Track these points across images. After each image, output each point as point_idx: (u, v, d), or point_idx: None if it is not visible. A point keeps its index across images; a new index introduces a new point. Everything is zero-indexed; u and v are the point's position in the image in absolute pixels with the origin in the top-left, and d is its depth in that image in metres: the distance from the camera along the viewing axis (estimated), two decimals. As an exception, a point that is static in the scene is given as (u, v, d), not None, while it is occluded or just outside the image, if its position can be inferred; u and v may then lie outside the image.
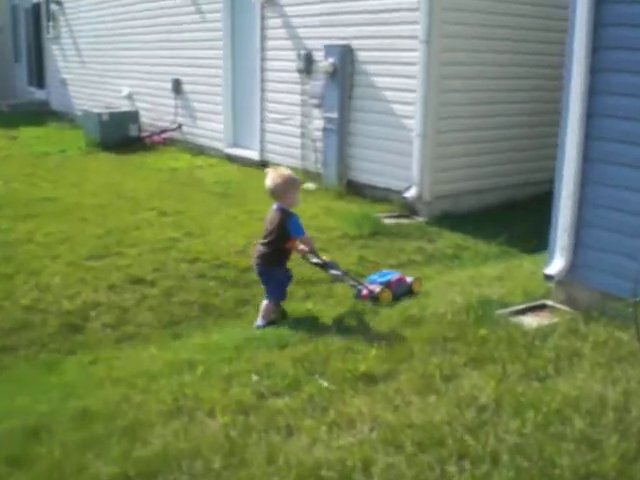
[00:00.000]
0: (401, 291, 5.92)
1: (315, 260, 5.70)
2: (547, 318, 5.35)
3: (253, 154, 11.36)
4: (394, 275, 6.03)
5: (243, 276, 6.54)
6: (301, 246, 5.55)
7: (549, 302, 5.65)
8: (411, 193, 8.49)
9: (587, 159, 5.26)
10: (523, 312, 5.47)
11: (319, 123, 9.74)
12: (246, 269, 6.66)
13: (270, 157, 10.96)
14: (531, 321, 5.22)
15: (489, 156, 9.03)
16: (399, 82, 8.54)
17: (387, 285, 5.84)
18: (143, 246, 7.06)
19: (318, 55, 9.58)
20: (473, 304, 5.37)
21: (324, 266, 5.79)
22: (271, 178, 5.31)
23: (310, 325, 5.33)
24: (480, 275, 6.58)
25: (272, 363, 4.51)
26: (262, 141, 11.10)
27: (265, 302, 5.48)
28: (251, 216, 8.26)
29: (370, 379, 4.26)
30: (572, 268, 5.45)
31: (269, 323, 5.43)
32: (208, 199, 9.10)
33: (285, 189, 5.28)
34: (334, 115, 9.33)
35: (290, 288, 5.75)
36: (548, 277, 5.48)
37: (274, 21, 10.46)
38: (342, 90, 9.22)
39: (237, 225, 7.91)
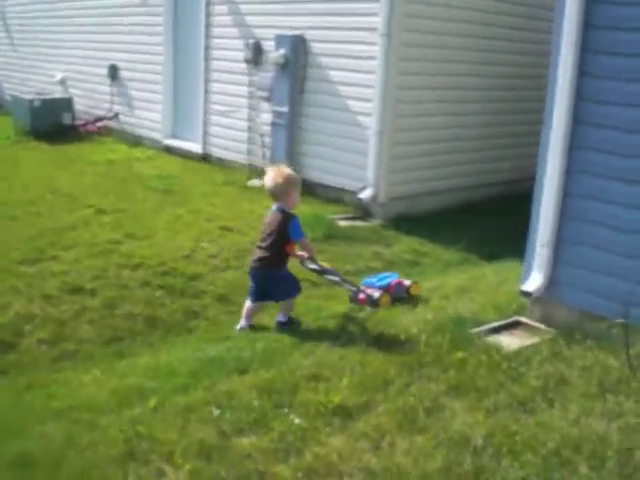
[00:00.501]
0: (399, 295, 5.74)
1: (313, 266, 5.45)
2: (525, 338, 5.02)
3: (195, 147, 10.77)
4: (393, 278, 5.83)
5: (192, 285, 6.02)
6: (299, 252, 5.26)
7: (523, 319, 5.34)
8: (366, 194, 8.08)
9: (570, 171, 4.93)
10: (498, 330, 5.14)
11: (267, 117, 9.24)
12: (195, 277, 6.17)
13: (214, 151, 10.40)
14: (510, 342, 4.87)
15: (446, 156, 8.71)
16: (356, 77, 8.11)
17: (386, 289, 5.65)
18: (81, 249, 6.44)
19: (268, 45, 9.07)
20: (446, 323, 4.99)
21: (322, 272, 5.56)
22: (271, 177, 5.02)
23: (272, 341, 4.88)
24: (445, 285, 6.21)
25: (233, 392, 4.02)
26: (205, 133, 10.52)
27: (281, 303, 5.22)
28: (197, 216, 7.73)
29: (345, 413, 3.82)
30: (550, 285, 5.13)
31: (290, 321, 5.21)
32: (150, 196, 8.49)
33: (286, 189, 5.00)
34: (284, 109, 8.83)
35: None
36: (525, 294, 5.14)
37: (221, 7, 9.87)
38: (293, 83, 8.74)
39: (183, 226, 7.36)
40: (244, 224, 7.58)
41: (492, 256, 7.35)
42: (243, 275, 6.28)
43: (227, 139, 10.09)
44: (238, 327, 5.18)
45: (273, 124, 9.03)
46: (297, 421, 3.71)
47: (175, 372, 4.36)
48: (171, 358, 4.66)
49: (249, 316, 5.19)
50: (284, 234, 5.00)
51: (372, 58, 7.83)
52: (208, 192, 8.80)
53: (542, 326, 5.20)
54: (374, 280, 5.83)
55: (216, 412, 3.80)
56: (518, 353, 4.62)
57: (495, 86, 9.05)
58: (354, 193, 8.29)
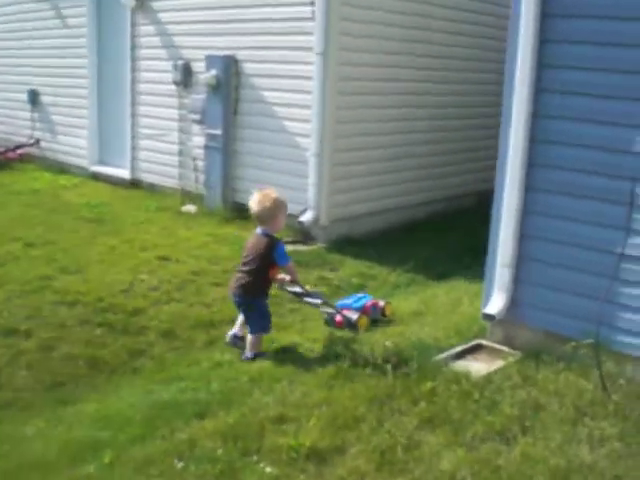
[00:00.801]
0: (375, 316, 5.68)
1: (294, 289, 5.39)
2: (491, 362, 4.88)
3: (123, 173, 10.35)
4: (367, 299, 5.76)
5: (133, 321, 5.64)
6: (281, 275, 5.11)
7: (484, 342, 5.20)
8: (307, 217, 7.86)
9: (530, 188, 4.82)
10: (462, 355, 5.00)
11: (200, 140, 8.93)
12: (136, 312, 5.79)
13: (144, 176, 10.01)
14: (477, 367, 4.72)
15: (388, 175, 8.59)
16: (293, 97, 7.90)
17: (363, 311, 5.58)
18: (11, 287, 5.99)
19: (198, 66, 8.78)
20: (409, 350, 4.79)
21: (303, 295, 5.49)
22: (258, 201, 4.91)
23: (227, 379, 4.58)
24: (398, 309, 6.02)
25: (195, 441, 3.72)
26: (134, 159, 10.12)
27: (250, 336, 5.00)
28: (132, 246, 7.35)
29: (319, 457, 3.57)
30: (511, 305, 5.00)
31: (258, 355, 4.96)
32: (80, 226, 8.04)
33: (274, 213, 4.91)
34: (217, 132, 8.55)
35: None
36: (488, 317, 4.99)
37: (147, 28, 9.53)
38: (226, 105, 8.47)
39: (118, 257, 6.97)
40: (182, 252, 7.25)
41: (440, 276, 7.21)
42: (187, 308, 5.99)
43: (157, 164, 9.72)
44: (244, 357, 4.99)
45: (207, 147, 8.73)
46: (268, 470, 3.45)
47: (128, 420, 4.01)
48: (121, 404, 4.30)
49: (253, 347, 5.02)
50: (269, 259, 4.89)
51: (309, 78, 7.63)
52: (141, 220, 8.42)
53: (505, 348, 5.07)
54: (349, 302, 5.71)
55: (179, 464, 3.50)
56: (488, 379, 4.47)
57: (437, 104, 9.01)
58: (294, 216, 8.04)
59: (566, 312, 4.79)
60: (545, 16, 4.58)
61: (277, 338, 5.43)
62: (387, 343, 4.99)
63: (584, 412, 4.01)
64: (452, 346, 5.06)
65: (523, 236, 4.89)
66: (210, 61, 8.43)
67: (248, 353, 4.97)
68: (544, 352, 4.77)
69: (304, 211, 7.92)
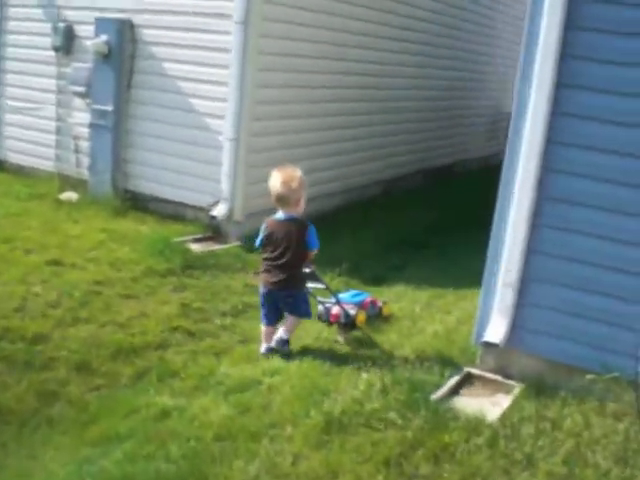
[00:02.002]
0: (372, 314, 5.26)
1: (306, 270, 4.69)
2: (492, 398, 4.18)
3: (-17, 151, 8.80)
4: (366, 296, 5.33)
5: (36, 350, 4.45)
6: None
7: (474, 371, 4.46)
8: (220, 210, 6.82)
9: (541, 198, 4.10)
10: (456, 391, 4.22)
11: (84, 117, 7.61)
12: (37, 338, 4.61)
13: (11, 157, 8.52)
14: (482, 406, 3.98)
15: (310, 162, 7.65)
16: (203, 72, 6.80)
17: (361, 306, 5.12)
18: None
19: (84, 30, 7.44)
20: (400, 391, 3.97)
21: (313, 279, 4.83)
22: (282, 182, 4.37)
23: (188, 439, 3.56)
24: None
25: None
26: (-1, 136, 8.60)
27: (292, 318, 4.62)
28: (13, 247, 6.02)
29: None
30: (510, 330, 4.28)
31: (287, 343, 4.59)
32: None
33: (300, 194, 4.42)
34: (107, 108, 7.28)
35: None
36: (489, 345, 4.24)
37: (17, -19, 8.03)
38: (119, 77, 7.22)
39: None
40: (76, 255, 6.01)
41: (376, 280, 6.46)
42: (98, 330, 4.85)
43: (28, 142, 8.25)
44: (262, 351, 4.61)
45: (93, 125, 7.43)
46: None
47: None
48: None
49: (268, 338, 4.62)
50: (305, 245, 4.45)
51: (225, 50, 6.57)
52: (16, 211, 7.01)
53: (498, 377, 4.40)
54: (346, 296, 5.20)
55: None
56: (506, 424, 3.73)
57: (366, 84, 8.25)
58: (200, 209, 7.00)
59: (577, 339, 4.16)
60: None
61: (221, 367, 4.48)
62: (370, 376, 4.16)
63: (633, 464, 3.37)
64: (443, 377, 4.29)
65: (529, 252, 4.17)
66: (100, 25, 7.13)
67: (284, 334, 4.56)
68: (549, 384, 4.16)
69: (215, 204, 6.89)
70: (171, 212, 7.21)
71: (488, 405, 4.08)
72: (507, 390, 4.25)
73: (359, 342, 4.99)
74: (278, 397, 4.00)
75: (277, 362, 4.48)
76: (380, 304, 5.36)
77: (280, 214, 4.49)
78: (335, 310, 4.94)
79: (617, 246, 3.99)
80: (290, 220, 4.45)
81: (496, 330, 4.21)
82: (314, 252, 4.57)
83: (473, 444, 3.52)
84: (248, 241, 6.85)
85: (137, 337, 4.82)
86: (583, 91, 3.95)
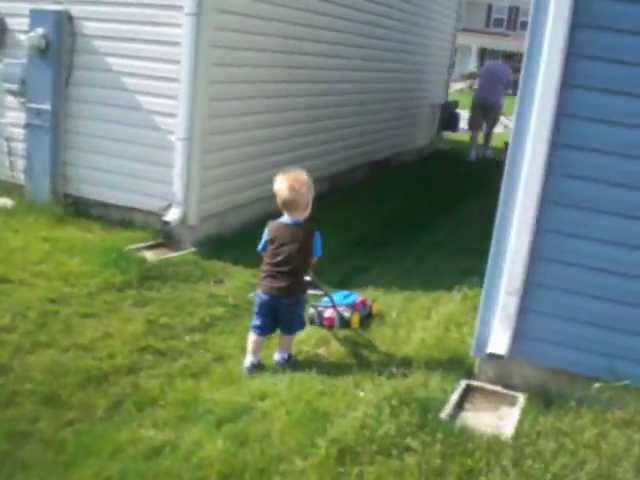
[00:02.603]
0: (364, 314, 5.17)
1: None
2: (498, 411, 4.03)
3: None
4: (356, 296, 5.24)
5: (1, 383, 4.01)
6: None
7: (474, 382, 4.25)
8: (173, 215, 6.40)
9: (547, 201, 3.89)
10: (461, 405, 4.02)
11: (18, 116, 7.03)
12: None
13: None
14: (491, 421, 3.81)
15: (263, 160, 7.31)
16: (152, 67, 6.35)
17: (353, 306, 5.05)
18: None
19: (17, 23, 6.84)
20: (413, 412, 3.71)
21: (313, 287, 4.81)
22: (289, 186, 4.19)
23: None
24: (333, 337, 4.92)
25: None
26: None
27: (287, 337, 4.48)
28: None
29: None
30: (514, 340, 4.09)
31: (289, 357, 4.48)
32: None
33: (308, 198, 4.27)
34: (45, 106, 6.73)
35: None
36: (493, 356, 4.02)
37: None
38: (57, 73, 6.68)
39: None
40: (23, 269, 5.50)
41: (343, 284, 6.14)
42: (61, 355, 4.41)
43: (-48, 145, 7.60)
44: (247, 365, 4.35)
45: (29, 126, 6.87)
46: None
47: None
48: None
49: (257, 350, 4.41)
50: (310, 251, 4.33)
51: (175, 44, 6.15)
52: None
53: (498, 388, 4.23)
54: (337, 298, 5.09)
55: None
56: (523, 441, 3.55)
57: (325, 79, 7.95)
58: (151, 214, 6.57)
59: (582, 346, 4.02)
60: None
61: (203, 392, 4.14)
62: (368, 395, 3.89)
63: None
64: (444, 392, 4.07)
65: (534, 258, 3.97)
66: (36, 17, 6.56)
67: (284, 354, 4.44)
68: (553, 393, 4.01)
69: (168, 208, 6.47)
70: (118, 218, 6.75)
71: (495, 420, 3.90)
72: (511, 402, 4.09)
73: (343, 354, 4.73)
74: (276, 425, 3.69)
75: (262, 382, 4.18)
76: (370, 302, 5.27)
77: (286, 218, 4.29)
78: (328, 313, 4.91)
79: (624, 250, 3.84)
80: (297, 225, 4.28)
81: (499, 340, 4.01)
82: (316, 258, 4.43)
83: (498, 466, 3.30)
84: (203, 246, 6.51)
85: (105, 361, 4.40)
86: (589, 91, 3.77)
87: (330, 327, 4.99)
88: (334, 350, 4.80)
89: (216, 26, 6.15)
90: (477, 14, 44.94)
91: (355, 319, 5.00)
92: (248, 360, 4.38)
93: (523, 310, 4.03)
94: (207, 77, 6.18)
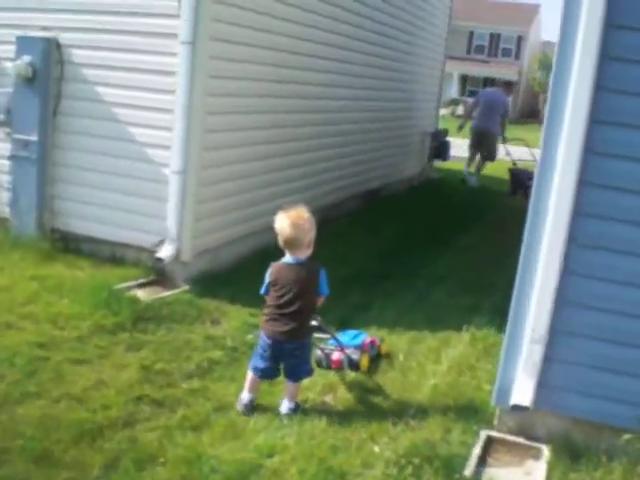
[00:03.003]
0: (373, 355, 5.01)
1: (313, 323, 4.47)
2: (523, 466, 3.84)
3: None
4: (364, 336, 5.06)
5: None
6: None
7: (494, 434, 4.00)
8: (167, 252, 6.13)
9: (574, 242, 3.68)
10: (484, 459, 3.78)
11: (3, 147, 6.73)
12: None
13: None
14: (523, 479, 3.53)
15: (263, 191, 7.09)
16: (144, 97, 6.10)
17: (362, 348, 4.87)
18: None
19: (2, 51, 6.56)
20: (438, 471, 3.46)
21: (321, 330, 4.72)
22: (292, 224, 4.07)
23: None
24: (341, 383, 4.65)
25: None
26: None
27: (293, 385, 4.26)
28: None
29: None
30: (537, 389, 3.85)
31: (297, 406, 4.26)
32: None
33: (312, 236, 4.15)
34: (32, 138, 6.45)
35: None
36: (518, 408, 3.77)
37: None
38: (45, 103, 6.41)
39: None
40: (10, 311, 5.19)
41: (343, 323, 5.85)
42: (52, 407, 4.10)
43: None
44: (243, 402, 4.23)
45: (14, 157, 6.57)
46: None
47: None
48: None
49: (255, 389, 4.30)
50: (316, 291, 4.21)
51: (169, 73, 5.92)
52: None
53: (521, 440, 4.00)
54: (345, 339, 4.93)
55: None
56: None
57: (322, 108, 7.82)
58: (143, 250, 6.30)
59: (609, 395, 3.81)
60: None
61: (210, 452, 3.85)
62: (382, 451, 3.63)
63: None
64: (465, 446, 3.82)
65: (559, 304, 3.74)
66: (22, 44, 6.30)
67: (291, 404, 4.22)
68: (578, 445, 3.82)
69: (160, 243, 6.20)
70: (109, 254, 6.46)
71: (522, 476, 3.66)
72: (535, 455, 3.86)
73: (352, 402, 4.47)
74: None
75: (268, 436, 3.92)
76: (378, 342, 5.11)
77: (288, 258, 4.17)
78: (336, 356, 4.73)
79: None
80: (300, 264, 4.15)
81: (523, 391, 3.76)
82: (323, 298, 4.30)
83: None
84: (197, 284, 6.23)
85: (99, 413, 4.09)
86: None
87: (338, 369, 4.75)
88: (342, 397, 4.54)
89: (212, 55, 5.93)
90: (459, 41, 45.26)
91: (364, 362, 4.81)
92: (245, 397, 4.27)
93: (547, 358, 3.79)
94: (203, 108, 5.94)
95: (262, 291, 4.25)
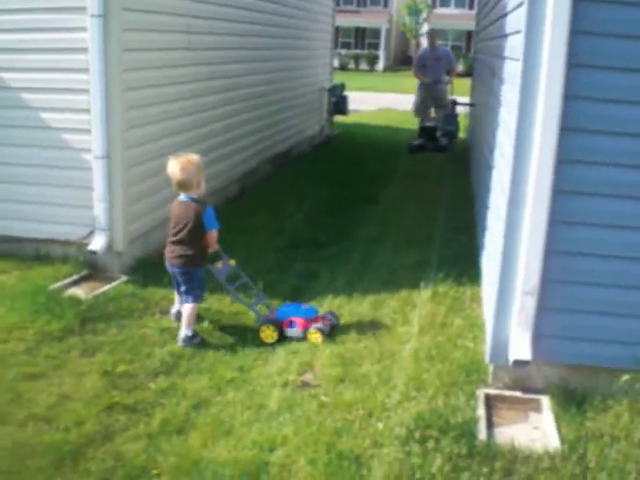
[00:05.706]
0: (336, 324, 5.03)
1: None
2: (532, 420, 3.77)
3: None
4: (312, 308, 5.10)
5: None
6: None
7: (491, 391, 3.93)
8: (99, 243, 5.72)
9: (559, 191, 3.59)
10: (490, 421, 3.73)
11: None
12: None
13: None
14: (535, 434, 3.49)
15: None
16: (55, 78, 5.59)
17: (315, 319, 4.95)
18: None
19: None
20: (456, 441, 3.35)
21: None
22: (181, 168, 4.61)
23: None
24: (316, 359, 4.47)
25: None
26: None
27: (187, 305, 4.81)
28: None
29: None
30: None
31: (195, 336, 4.81)
32: None
33: (200, 177, 4.71)
34: None
35: None
36: (520, 363, 3.68)
37: None
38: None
39: None
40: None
41: (297, 294, 5.70)
42: (19, 431, 3.75)
43: None
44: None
45: None
46: None
47: None
48: None
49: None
50: (200, 226, 4.69)
51: (80, 50, 5.43)
52: None
53: (518, 394, 3.95)
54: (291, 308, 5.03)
55: None
56: (578, 454, 3.31)
57: (225, 74, 7.34)
58: (68, 243, 5.86)
59: (604, 338, 3.81)
60: None
61: (205, 455, 3.59)
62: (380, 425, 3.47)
63: None
64: (470, 408, 3.72)
65: (548, 253, 3.66)
66: None
67: (187, 331, 4.76)
68: (576, 391, 3.82)
69: (90, 235, 5.76)
70: (32, 252, 5.95)
71: (532, 430, 3.61)
72: (535, 408, 3.86)
73: (334, 378, 4.26)
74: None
75: (262, 427, 3.74)
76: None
77: (182, 196, 4.72)
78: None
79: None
80: (189, 201, 4.69)
81: (521, 345, 3.69)
82: (214, 232, 4.75)
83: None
84: (134, 273, 5.86)
85: (73, 431, 3.75)
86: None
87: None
88: (322, 374, 4.36)
89: (126, 27, 5.47)
90: (328, -7, 44.88)
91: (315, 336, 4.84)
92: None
93: (539, 309, 3.72)
94: (120, 85, 5.50)
95: None
